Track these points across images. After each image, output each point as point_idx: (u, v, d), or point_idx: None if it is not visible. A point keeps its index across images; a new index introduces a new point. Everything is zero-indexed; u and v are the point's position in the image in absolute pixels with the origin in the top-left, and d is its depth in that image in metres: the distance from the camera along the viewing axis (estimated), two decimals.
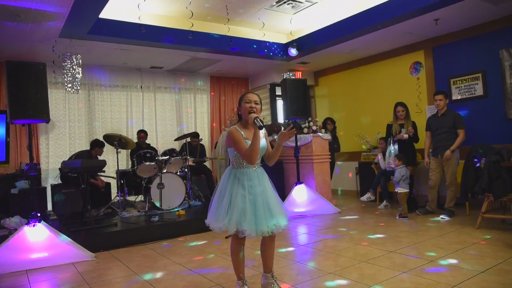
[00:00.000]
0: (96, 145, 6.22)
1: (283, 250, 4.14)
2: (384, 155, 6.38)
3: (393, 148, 5.97)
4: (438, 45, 6.52)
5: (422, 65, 6.78)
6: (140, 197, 6.86)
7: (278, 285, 2.84)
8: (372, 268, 3.37)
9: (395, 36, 6.34)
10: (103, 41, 5.70)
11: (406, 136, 5.81)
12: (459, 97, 6.27)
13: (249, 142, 2.63)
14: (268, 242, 2.78)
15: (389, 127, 6.18)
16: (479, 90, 6.02)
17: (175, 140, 7.23)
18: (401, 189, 5.47)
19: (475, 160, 4.69)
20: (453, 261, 3.43)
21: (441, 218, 5.28)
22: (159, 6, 5.75)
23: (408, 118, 5.95)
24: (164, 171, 6.15)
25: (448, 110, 5.50)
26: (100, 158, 6.23)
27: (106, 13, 5.21)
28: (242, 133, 2.67)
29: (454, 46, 6.31)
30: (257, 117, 2.62)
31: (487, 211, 4.56)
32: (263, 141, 2.71)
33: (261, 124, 2.58)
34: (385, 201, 6.32)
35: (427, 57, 6.69)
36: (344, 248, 4.05)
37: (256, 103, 2.71)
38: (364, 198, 6.62)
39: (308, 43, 6.82)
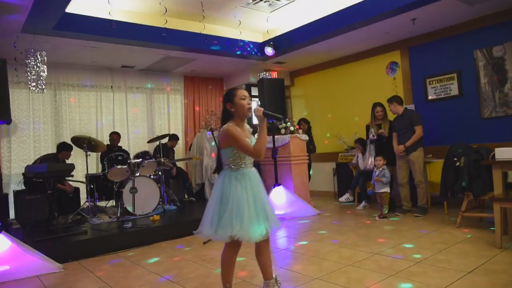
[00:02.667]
0: (63, 149, 5.87)
1: None
2: (363, 155, 6.35)
3: (370, 148, 5.98)
4: (414, 45, 6.55)
5: (398, 65, 6.80)
6: (112, 202, 6.54)
7: None
8: (358, 272, 3.26)
9: (372, 36, 6.32)
10: (70, 38, 5.37)
11: (372, 136, 5.93)
12: (435, 97, 6.31)
13: (249, 140, 2.48)
14: (264, 246, 2.63)
15: (368, 127, 6.17)
16: (454, 89, 6.07)
17: (148, 142, 6.95)
18: (384, 190, 5.41)
19: (455, 159, 4.68)
20: (439, 262, 3.36)
21: (415, 216, 5.34)
22: (131, 2, 5.48)
23: (386, 118, 5.97)
24: (137, 174, 5.87)
25: (406, 109, 5.70)
26: (67, 161, 5.89)
27: (74, 8, 4.93)
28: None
29: (430, 46, 6.35)
30: (263, 110, 2.48)
31: (467, 210, 4.56)
32: (253, 138, 2.57)
33: (276, 114, 2.49)
34: (363, 202, 6.28)
35: (403, 57, 6.71)
36: (327, 252, 3.92)
37: (250, 99, 2.57)
38: (342, 199, 6.55)
39: (285, 42, 6.70)
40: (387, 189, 5.41)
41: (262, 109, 2.46)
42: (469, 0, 4.99)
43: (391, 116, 6.03)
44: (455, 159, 4.67)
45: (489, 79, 5.68)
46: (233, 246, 2.51)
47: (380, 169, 5.44)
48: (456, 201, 5.27)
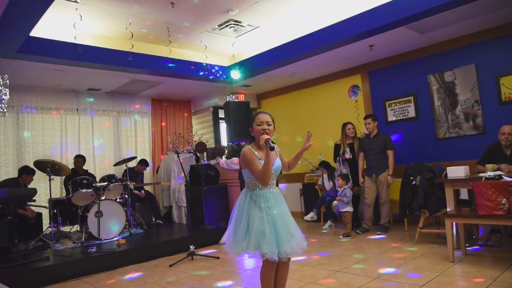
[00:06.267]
0: (24, 172, 5.73)
1: (230, 276, 4.02)
2: (330, 177, 6.53)
3: (343, 168, 6.11)
4: (373, 69, 6.89)
5: (359, 88, 7.11)
6: (76, 227, 6.40)
7: None
8: None
9: (334, 61, 6.61)
10: (34, 61, 5.34)
11: (348, 156, 6.01)
12: (394, 119, 6.62)
13: (263, 163, 2.54)
14: (283, 267, 2.68)
15: (337, 146, 6.34)
16: (411, 112, 6.41)
17: (114, 165, 6.90)
18: (346, 209, 5.57)
19: (411, 178, 4.92)
20: (395, 277, 3.51)
21: (377, 234, 5.50)
22: (97, 26, 5.54)
23: (356, 137, 6.21)
24: (103, 198, 5.81)
25: (379, 132, 5.87)
26: (30, 186, 5.76)
27: (38, 31, 4.93)
28: (256, 153, 2.60)
29: (388, 70, 6.70)
30: (269, 138, 2.51)
31: (424, 226, 4.77)
32: (277, 161, 2.66)
33: (271, 145, 2.45)
34: (329, 221, 6.42)
35: (364, 81, 7.04)
36: (290, 270, 3.98)
37: (269, 124, 2.64)
38: (307, 217, 6.63)
39: (250, 66, 6.90)
40: (349, 209, 5.58)
41: (265, 137, 2.52)
42: (420, 28, 5.35)
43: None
44: (411, 178, 4.91)
45: (442, 102, 6.04)
46: (267, 263, 2.54)
47: (341, 188, 5.62)
48: (417, 218, 5.49)
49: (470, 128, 5.78)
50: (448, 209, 4.29)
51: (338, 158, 6.27)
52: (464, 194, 5.06)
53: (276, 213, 2.57)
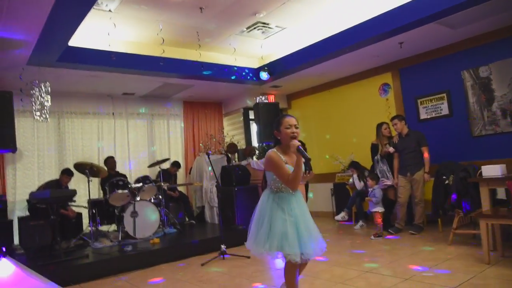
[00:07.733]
0: (63, 173, 6.06)
1: (260, 275, 4.09)
2: (361, 177, 6.47)
3: (381, 165, 6.04)
4: (404, 67, 6.76)
5: (390, 87, 7.00)
6: (114, 227, 6.66)
7: None
8: None
9: (363, 59, 6.55)
10: (73, 69, 5.63)
11: (392, 149, 5.89)
12: (427, 117, 6.48)
13: (290, 167, 2.59)
14: (300, 268, 2.73)
15: (373, 146, 6.29)
16: (444, 109, 6.25)
17: (148, 166, 7.13)
18: (375, 209, 5.52)
19: (443, 177, 4.82)
20: (426, 278, 3.46)
21: (410, 233, 5.41)
22: (130, 33, 5.77)
23: (391, 137, 6.13)
24: (138, 198, 6.02)
25: (411, 130, 5.78)
26: (70, 187, 6.07)
27: (76, 41, 5.18)
28: (282, 157, 2.64)
29: (419, 67, 6.56)
30: (300, 145, 2.55)
31: (458, 227, 4.65)
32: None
33: (306, 154, 2.49)
34: (361, 221, 6.36)
35: (395, 79, 6.92)
36: (320, 270, 4.03)
37: (296, 127, 2.67)
38: (338, 217, 6.61)
39: (279, 67, 6.95)
40: (378, 209, 5.51)
41: (297, 144, 2.55)
42: (451, 23, 5.21)
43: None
44: (443, 177, 4.80)
45: (477, 99, 5.85)
46: (290, 263, 2.59)
47: (371, 189, 5.57)
48: (452, 218, 5.35)
49: (507, 125, 5.56)
50: (483, 209, 4.17)
51: (376, 157, 6.20)
52: (502, 194, 4.90)
53: (298, 215, 2.61)
